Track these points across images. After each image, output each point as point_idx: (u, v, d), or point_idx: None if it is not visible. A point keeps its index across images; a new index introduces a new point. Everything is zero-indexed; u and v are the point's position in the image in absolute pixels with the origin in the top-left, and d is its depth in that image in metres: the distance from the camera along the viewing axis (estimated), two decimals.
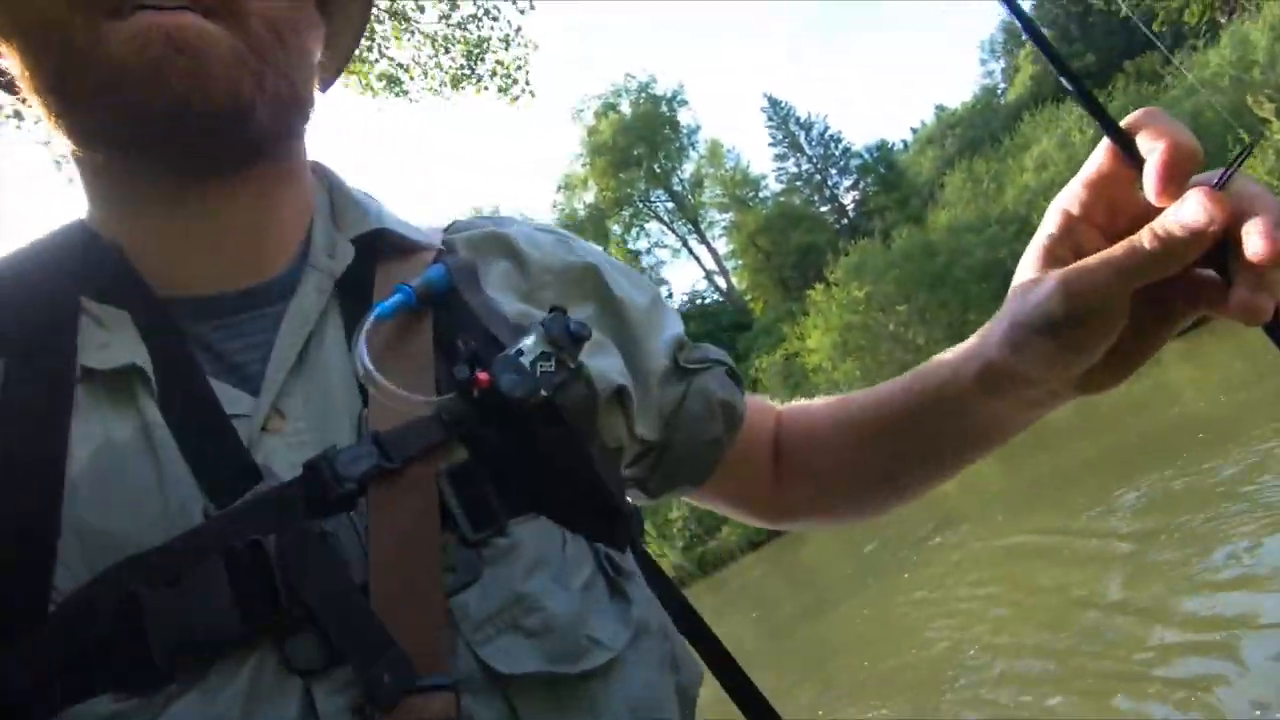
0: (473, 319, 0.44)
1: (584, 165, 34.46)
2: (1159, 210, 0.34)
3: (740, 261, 35.13)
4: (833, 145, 36.83)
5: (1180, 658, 2.89)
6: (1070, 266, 0.37)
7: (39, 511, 0.34)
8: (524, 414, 0.40)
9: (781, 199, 35.45)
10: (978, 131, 34.89)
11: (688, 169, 36.36)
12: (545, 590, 0.38)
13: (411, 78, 6.98)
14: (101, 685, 0.32)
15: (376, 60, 6.89)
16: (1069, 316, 0.37)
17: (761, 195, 35.96)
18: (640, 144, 33.27)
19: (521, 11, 6.87)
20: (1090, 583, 3.98)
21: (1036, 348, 0.39)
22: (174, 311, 0.41)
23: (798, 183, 37.19)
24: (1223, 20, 11.08)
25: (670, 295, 37.76)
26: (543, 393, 0.40)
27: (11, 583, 0.33)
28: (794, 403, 0.62)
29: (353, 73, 6.84)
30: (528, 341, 0.41)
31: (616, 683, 0.37)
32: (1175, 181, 0.34)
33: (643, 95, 34.28)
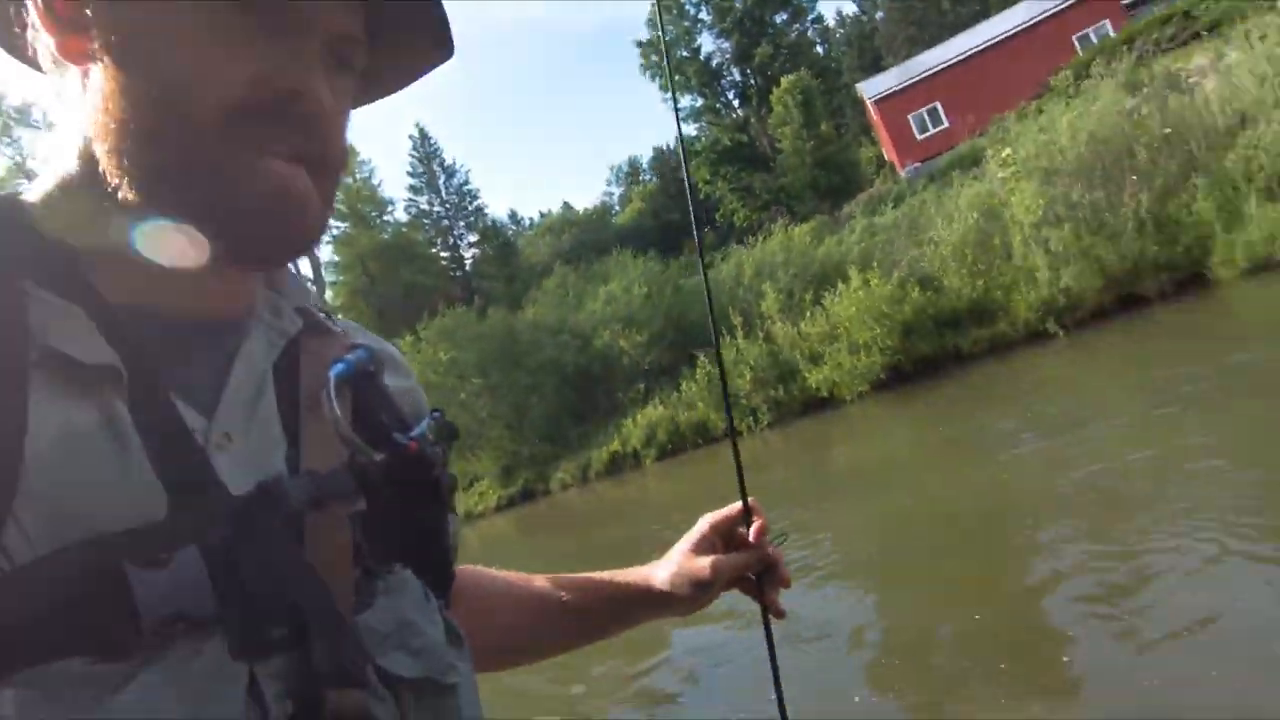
0: (387, 400, 0.53)
1: None
2: (750, 544, 0.74)
3: (342, 277, 33.14)
4: (468, 199, 38.01)
5: None
6: (713, 558, 0.73)
7: None
8: (421, 482, 0.49)
9: (405, 230, 34.95)
10: (589, 237, 40.26)
11: None
12: (423, 621, 0.47)
13: None
14: (74, 648, 0.35)
15: None
16: (706, 583, 0.73)
17: (385, 219, 34.90)
18: None
19: None
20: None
21: (688, 592, 0.73)
22: (128, 319, 0.43)
23: (425, 221, 37.16)
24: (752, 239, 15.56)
25: None
26: (438, 468, 0.50)
27: None
28: (476, 566, 0.75)
29: None
30: (422, 428, 0.51)
31: (464, 697, 0.49)
32: (760, 535, 0.74)
33: None
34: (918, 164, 22.27)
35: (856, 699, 3.09)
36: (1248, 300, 8.10)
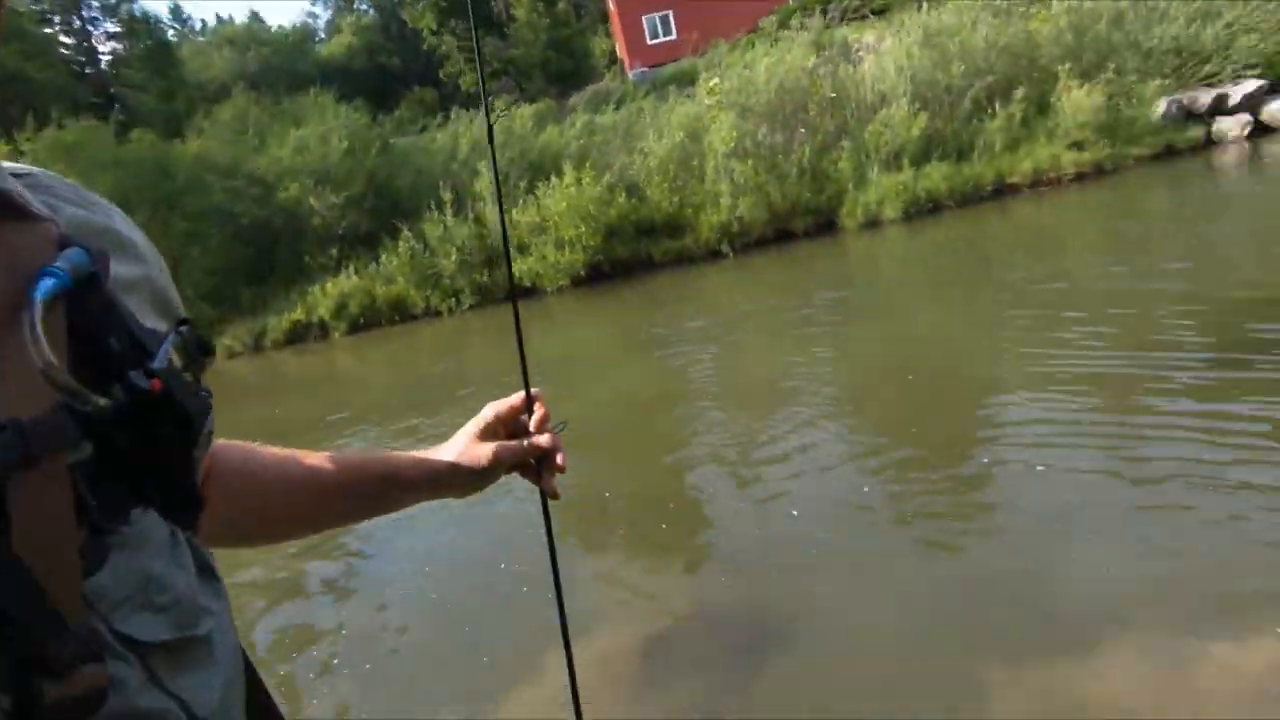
0: (116, 317, 0.41)
1: None
2: (531, 432, 0.78)
3: None
4: None
5: None
6: (496, 444, 0.76)
7: None
8: (163, 418, 0.40)
9: None
10: (282, 64, 33.86)
11: None
12: (170, 572, 0.43)
13: None
14: None
15: None
16: (488, 469, 0.76)
17: None
18: None
19: None
20: None
21: (467, 476, 0.76)
22: None
23: None
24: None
25: None
26: (186, 401, 0.42)
27: None
28: (245, 443, 0.69)
29: None
30: (165, 349, 0.42)
31: (219, 638, 0.46)
32: (541, 425, 0.78)
33: None
34: (646, 69, 23.03)
35: (523, 567, 3.55)
36: (857, 248, 10.33)
